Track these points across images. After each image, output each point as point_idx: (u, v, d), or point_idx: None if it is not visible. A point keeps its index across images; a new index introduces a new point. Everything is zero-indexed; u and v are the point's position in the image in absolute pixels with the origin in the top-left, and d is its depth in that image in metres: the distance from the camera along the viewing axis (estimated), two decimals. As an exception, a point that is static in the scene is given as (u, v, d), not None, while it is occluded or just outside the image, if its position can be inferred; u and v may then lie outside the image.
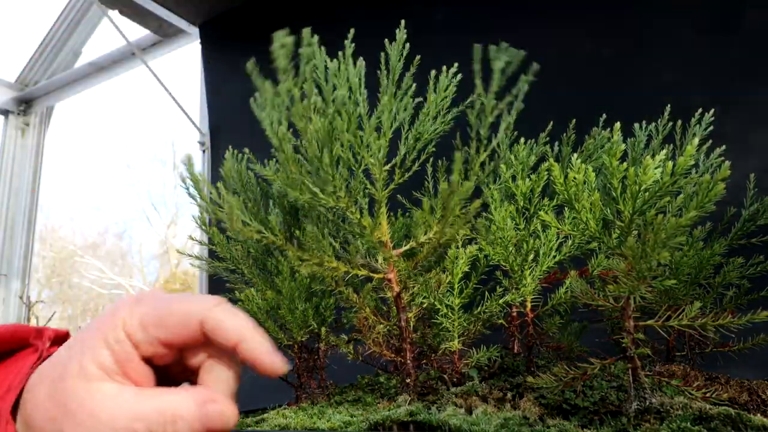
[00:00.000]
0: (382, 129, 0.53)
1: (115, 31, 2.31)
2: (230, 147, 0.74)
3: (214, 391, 0.43)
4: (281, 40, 0.44)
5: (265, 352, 0.42)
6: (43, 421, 0.43)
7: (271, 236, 0.51)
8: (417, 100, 0.58)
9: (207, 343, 0.45)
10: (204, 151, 2.23)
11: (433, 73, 0.57)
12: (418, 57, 0.56)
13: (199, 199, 0.45)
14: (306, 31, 0.47)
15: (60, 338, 0.50)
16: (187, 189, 0.53)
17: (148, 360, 0.45)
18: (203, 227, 0.79)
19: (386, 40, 0.55)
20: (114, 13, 2.24)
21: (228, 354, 0.46)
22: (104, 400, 0.43)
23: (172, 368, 0.48)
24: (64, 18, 2.97)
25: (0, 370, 0.46)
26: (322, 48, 0.50)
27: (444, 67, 0.57)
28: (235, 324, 0.43)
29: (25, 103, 3.23)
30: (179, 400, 0.43)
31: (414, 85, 0.57)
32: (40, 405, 0.43)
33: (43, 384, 0.44)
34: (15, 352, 0.48)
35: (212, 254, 0.83)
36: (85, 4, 2.87)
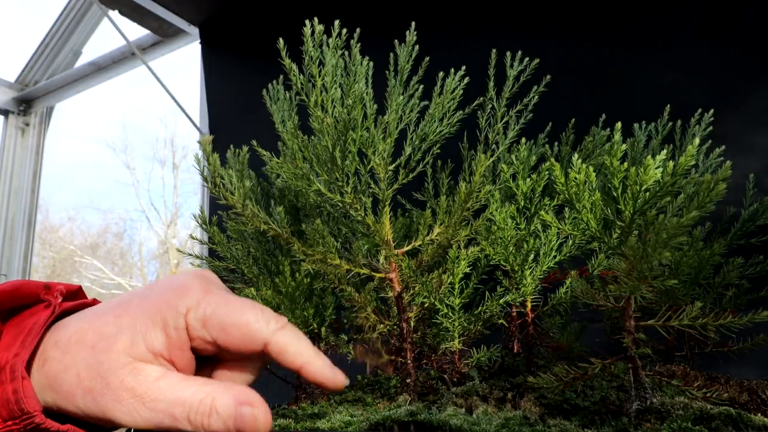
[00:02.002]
0: (388, 129, 0.53)
1: (115, 31, 2.31)
2: (231, 147, 0.74)
3: (252, 394, 0.44)
4: (314, 26, 0.45)
5: (328, 374, 0.45)
6: (74, 387, 0.42)
7: (278, 229, 0.51)
8: (423, 103, 0.58)
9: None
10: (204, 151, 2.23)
11: (441, 74, 0.57)
12: (427, 59, 0.56)
13: (211, 183, 0.45)
14: (336, 23, 0.47)
15: (71, 293, 0.49)
16: (201, 172, 0.52)
17: (192, 348, 0.46)
18: (204, 226, 0.79)
19: (396, 41, 0.55)
20: (114, 13, 2.24)
21: (257, 361, 0.48)
22: (147, 381, 0.42)
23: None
24: (64, 18, 2.97)
25: (10, 327, 0.45)
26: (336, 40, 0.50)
27: (452, 70, 0.57)
28: (299, 349, 0.45)
29: (25, 103, 3.23)
30: (220, 393, 0.43)
31: (421, 86, 0.57)
32: (72, 370, 0.43)
33: (77, 347, 0.43)
34: (24, 309, 0.46)
35: (212, 253, 0.83)
36: (85, 4, 2.87)
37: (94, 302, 0.50)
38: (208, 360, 0.48)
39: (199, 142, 0.50)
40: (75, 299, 0.50)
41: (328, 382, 0.45)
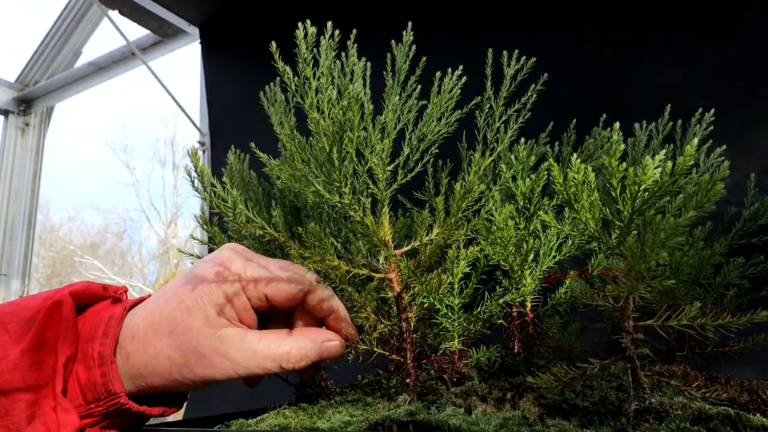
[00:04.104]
0: (386, 129, 0.53)
1: (115, 31, 2.31)
2: (232, 147, 0.74)
3: (325, 331, 0.55)
4: (306, 29, 0.45)
5: (347, 326, 0.57)
6: (169, 367, 0.50)
7: (274, 233, 0.51)
8: (421, 102, 0.58)
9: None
10: (204, 151, 2.23)
11: (438, 74, 0.57)
12: (424, 59, 0.56)
13: (203, 193, 0.46)
14: (329, 25, 0.48)
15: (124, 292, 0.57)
16: (192, 182, 0.53)
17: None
18: (204, 226, 0.79)
19: (393, 41, 0.55)
20: (114, 13, 2.24)
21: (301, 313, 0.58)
22: (234, 344, 0.50)
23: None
24: (64, 18, 2.97)
25: (84, 321, 0.51)
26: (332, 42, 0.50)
27: (449, 69, 0.57)
28: (330, 301, 0.55)
29: (25, 103, 3.23)
30: (302, 341, 0.53)
31: (419, 86, 0.57)
32: (161, 355, 0.50)
33: (156, 336, 0.50)
34: (88, 306, 0.53)
35: (212, 254, 0.83)
36: (85, 4, 2.87)
37: (146, 297, 0.56)
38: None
39: (188, 154, 0.51)
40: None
41: (345, 330, 0.57)
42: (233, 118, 2.08)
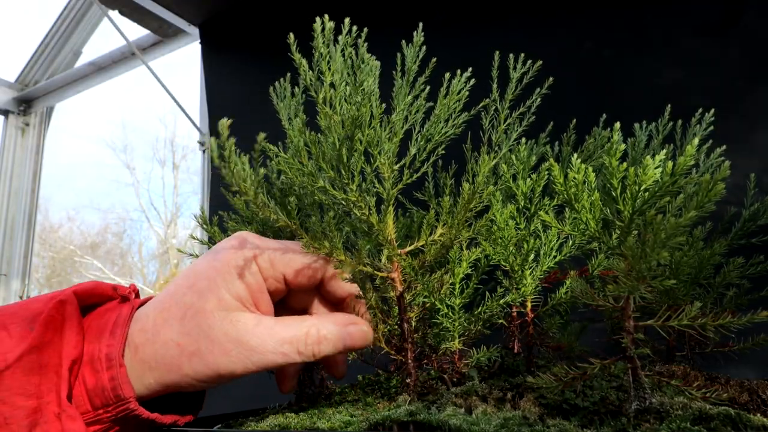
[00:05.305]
0: (394, 129, 0.53)
1: (115, 31, 2.31)
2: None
3: (350, 315, 0.51)
4: (324, 23, 0.45)
5: (365, 308, 0.54)
6: (178, 357, 0.46)
7: (287, 220, 0.51)
8: (428, 104, 0.58)
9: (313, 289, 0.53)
10: (204, 151, 2.23)
11: (447, 75, 0.57)
12: (434, 60, 0.56)
13: (225, 169, 0.45)
14: (347, 21, 0.48)
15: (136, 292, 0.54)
16: (220, 155, 0.52)
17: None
18: (204, 226, 0.79)
19: (403, 41, 0.55)
20: (114, 13, 2.24)
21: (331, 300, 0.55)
22: (247, 328, 0.47)
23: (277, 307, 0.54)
24: (64, 18, 2.97)
25: (90, 322, 0.48)
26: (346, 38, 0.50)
27: (458, 71, 0.57)
28: (347, 283, 0.52)
29: (25, 103, 3.23)
30: (321, 323, 0.49)
31: (428, 87, 0.57)
32: (170, 343, 0.46)
33: (166, 324, 0.47)
34: (96, 306, 0.50)
35: (213, 254, 0.83)
36: (85, 4, 2.87)
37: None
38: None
39: (218, 127, 0.49)
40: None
41: (366, 315, 0.53)
42: (233, 118, 2.08)
